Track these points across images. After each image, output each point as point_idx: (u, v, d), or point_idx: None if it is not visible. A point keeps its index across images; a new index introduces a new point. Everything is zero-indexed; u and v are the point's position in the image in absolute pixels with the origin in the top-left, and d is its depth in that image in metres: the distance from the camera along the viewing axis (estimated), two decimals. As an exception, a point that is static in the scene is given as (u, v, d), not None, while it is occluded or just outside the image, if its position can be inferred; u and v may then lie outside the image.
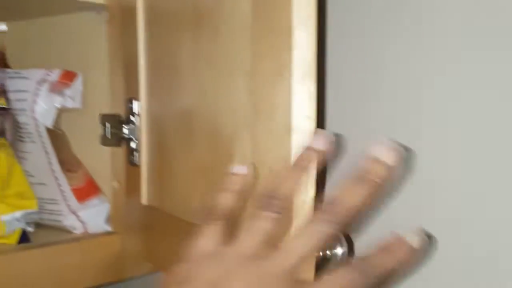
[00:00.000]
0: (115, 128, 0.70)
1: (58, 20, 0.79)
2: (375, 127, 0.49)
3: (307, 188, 0.39)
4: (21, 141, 0.75)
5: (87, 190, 0.75)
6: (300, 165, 0.38)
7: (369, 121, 0.50)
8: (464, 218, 0.43)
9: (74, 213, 0.74)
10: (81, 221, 0.75)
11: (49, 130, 0.73)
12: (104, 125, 0.70)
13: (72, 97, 0.75)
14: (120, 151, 0.71)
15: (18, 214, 0.71)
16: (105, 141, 0.70)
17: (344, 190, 0.37)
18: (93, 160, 0.78)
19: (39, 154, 0.74)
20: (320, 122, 0.53)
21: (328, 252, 0.44)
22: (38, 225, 0.76)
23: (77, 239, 0.72)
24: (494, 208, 0.41)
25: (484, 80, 0.41)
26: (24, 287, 0.66)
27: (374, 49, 0.49)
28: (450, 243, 0.44)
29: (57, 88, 0.73)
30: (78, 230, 0.75)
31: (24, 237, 0.71)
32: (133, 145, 0.68)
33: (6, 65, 0.81)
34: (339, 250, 0.45)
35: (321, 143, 0.39)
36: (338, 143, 0.50)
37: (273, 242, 0.38)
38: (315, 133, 0.39)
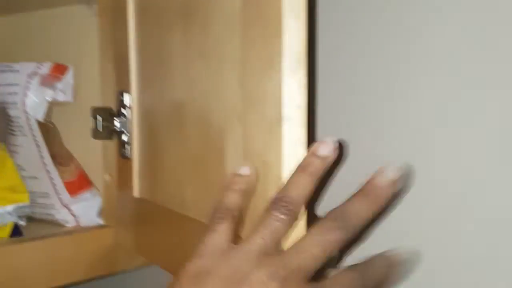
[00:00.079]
0: (107, 121, 0.69)
1: (49, 13, 0.79)
2: (366, 117, 0.49)
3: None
4: (13, 134, 0.75)
5: (79, 183, 0.75)
6: (308, 171, 0.39)
7: (360, 112, 0.50)
8: (460, 218, 0.43)
9: (66, 206, 0.74)
10: (73, 215, 0.75)
11: (40, 124, 0.73)
12: (95, 118, 0.70)
13: (63, 91, 0.75)
14: (112, 144, 0.71)
15: (9, 207, 0.71)
16: (96, 134, 0.70)
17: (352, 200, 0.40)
18: (84, 153, 0.78)
19: (30, 148, 0.74)
20: (311, 112, 0.53)
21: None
22: (30, 219, 0.76)
23: (69, 232, 0.72)
24: (492, 207, 0.41)
25: (476, 79, 0.41)
26: (16, 280, 0.66)
27: (366, 39, 0.49)
28: (446, 244, 0.44)
29: (48, 81, 0.73)
30: (70, 223, 0.75)
31: (16, 231, 0.71)
32: (124, 138, 0.68)
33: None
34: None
35: (327, 150, 0.40)
36: (341, 150, 0.50)
37: (282, 243, 0.39)
38: (322, 139, 0.40)
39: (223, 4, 0.46)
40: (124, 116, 0.67)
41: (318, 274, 0.39)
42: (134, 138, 0.66)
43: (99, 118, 0.70)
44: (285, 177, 0.40)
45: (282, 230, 0.39)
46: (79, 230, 0.74)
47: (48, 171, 0.73)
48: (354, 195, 0.40)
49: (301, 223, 0.40)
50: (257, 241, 0.39)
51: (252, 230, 0.40)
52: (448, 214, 0.44)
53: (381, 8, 0.47)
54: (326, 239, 0.38)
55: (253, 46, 0.42)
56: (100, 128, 0.70)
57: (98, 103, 0.73)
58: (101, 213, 0.76)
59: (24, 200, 0.73)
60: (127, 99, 0.66)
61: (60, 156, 0.75)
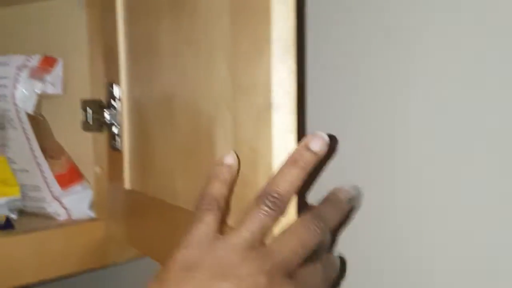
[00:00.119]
0: (97, 114, 0.69)
1: (38, 5, 0.78)
2: (355, 106, 0.49)
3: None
4: (3, 128, 0.74)
5: (69, 176, 0.75)
6: (298, 164, 0.40)
7: (349, 100, 0.50)
8: (456, 217, 0.43)
9: (57, 199, 0.74)
10: (65, 208, 0.74)
11: (30, 117, 0.73)
12: (85, 110, 0.70)
13: (52, 83, 0.75)
14: (102, 136, 0.71)
15: (1, 201, 0.71)
16: (86, 127, 0.70)
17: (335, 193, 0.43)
18: (75, 146, 0.77)
19: (21, 141, 0.73)
20: (301, 100, 0.53)
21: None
22: (21, 212, 0.76)
23: (61, 225, 0.72)
24: (492, 206, 0.41)
25: (467, 79, 0.41)
26: (8, 272, 0.66)
27: (356, 27, 0.49)
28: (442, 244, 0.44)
29: (37, 74, 0.73)
30: (62, 216, 0.75)
31: (7, 224, 0.70)
32: (115, 130, 0.68)
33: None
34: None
35: (319, 144, 0.40)
36: (331, 146, 0.50)
37: (268, 236, 0.40)
38: (313, 134, 0.41)
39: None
40: (114, 108, 0.67)
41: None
42: (124, 130, 0.66)
43: (89, 110, 0.69)
44: (275, 164, 0.40)
45: (268, 224, 0.39)
46: (70, 223, 0.74)
47: (38, 164, 0.73)
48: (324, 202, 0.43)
49: (290, 215, 0.41)
50: (243, 234, 0.39)
51: (239, 221, 0.40)
52: (441, 211, 0.43)
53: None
54: (307, 236, 0.39)
55: (242, 33, 0.42)
56: (90, 121, 0.70)
57: (88, 95, 0.72)
58: (93, 205, 0.76)
59: (15, 193, 0.73)
60: (116, 91, 0.66)
61: (50, 149, 0.75)
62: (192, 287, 0.38)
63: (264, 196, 0.39)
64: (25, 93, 0.72)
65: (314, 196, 0.52)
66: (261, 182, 0.41)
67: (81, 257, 0.72)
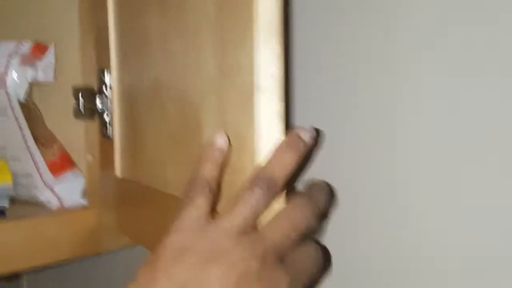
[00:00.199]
0: (88, 101, 0.69)
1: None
2: (343, 92, 0.49)
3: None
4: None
5: (61, 164, 0.75)
6: (293, 150, 0.39)
7: (340, 88, 0.49)
8: (452, 214, 0.43)
9: (49, 187, 0.74)
10: (57, 196, 0.74)
11: (21, 105, 0.72)
12: (77, 98, 0.69)
13: (44, 70, 0.74)
14: (94, 124, 0.71)
15: (-8, 188, 0.71)
16: (78, 115, 0.70)
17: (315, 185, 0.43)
18: (67, 133, 0.77)
19: (12, 129, 0.73)
20: (287, 83, 0.53)
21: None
22: (13, 201, 0.75)
23: (53, 213, 0.72)
24: (492, 207, 0.41)
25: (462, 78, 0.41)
26: (0, 259, 0.65)
27: (346, 12, 0.48)
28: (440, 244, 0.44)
29: (28, 61, 0.72)
30: (54, 204, 0.74)
31: (-1, 212, 0.70)
32: (106, 118, 0.67)
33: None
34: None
35: (308, 136, 0.40)
36: (317, 140, 0.50)
37: (260, 220, 0.40)
38: (302, 127, 0.41)
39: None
40: (106, 95, 0.67)
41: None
42: (115, 118, 0.66)
43: (81, 98, 0.69)
44: (260, 150, 0.39)
45: (261, 208, 0.39)
46: (63, 211, 0.73)
47: (31, 152, 0.73)
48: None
49: (280, 200, 0.40)
50: (236, 218, 0.38)
51: (231, 204, 0.39)
52: (440, 211, 0.43)
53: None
54: (298, 220, 0.39)
55: (227, 15, 0.41)
56: (81, 108, 0.69)
57: (79, 82, 0.72)
58: (85, 193, 0.76)
59: (7, 181, 0.73)
60: (107, 78, 0.66)
61: (42, 137, 0.74)
62: (183, 272, 0.37)
63: (258, 180, 0.39)
64: (16, 81, 0.72)
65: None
66: (246, 167, 0.40)
67: (73, 245, 0.72)
